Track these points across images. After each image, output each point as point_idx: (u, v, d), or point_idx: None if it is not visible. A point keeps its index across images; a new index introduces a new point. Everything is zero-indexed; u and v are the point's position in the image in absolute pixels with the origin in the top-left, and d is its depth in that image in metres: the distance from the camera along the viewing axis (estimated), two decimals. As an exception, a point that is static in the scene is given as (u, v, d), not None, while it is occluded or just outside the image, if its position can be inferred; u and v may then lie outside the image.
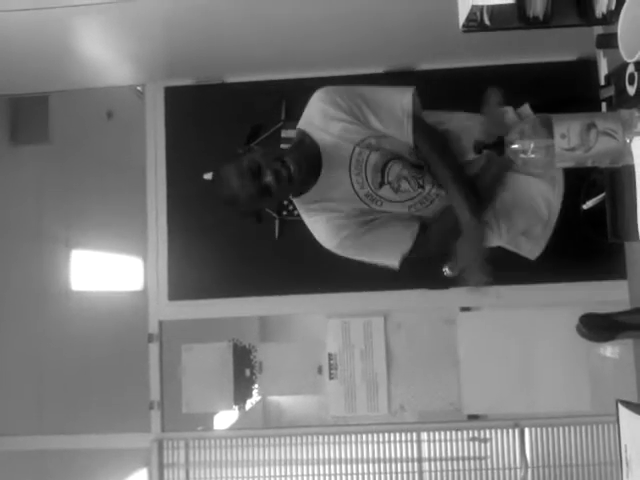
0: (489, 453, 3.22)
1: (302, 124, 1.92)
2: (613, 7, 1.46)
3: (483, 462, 3.24)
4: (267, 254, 3.28)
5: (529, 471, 3.18)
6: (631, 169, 1.34)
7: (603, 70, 1.67)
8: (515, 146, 1.40)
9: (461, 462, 3.25)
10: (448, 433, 3.26)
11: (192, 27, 2.84)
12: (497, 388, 3.21)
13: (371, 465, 3.30)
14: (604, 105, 1.56)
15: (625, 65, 1.37)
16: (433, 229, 1.92)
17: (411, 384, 3.32)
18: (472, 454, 3.25)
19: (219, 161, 3.23)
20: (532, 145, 1.37)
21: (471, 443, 3.25)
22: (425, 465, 3.26)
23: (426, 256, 1.96)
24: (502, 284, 3.11)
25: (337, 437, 3.30)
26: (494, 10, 1.51)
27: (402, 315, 3.35)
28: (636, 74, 1.34)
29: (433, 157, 1.86)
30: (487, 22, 1.54)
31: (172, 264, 3.38)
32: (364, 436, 3.29)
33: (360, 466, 3.30)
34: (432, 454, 3.27)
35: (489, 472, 3.24)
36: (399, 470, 3.27)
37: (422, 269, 2.97)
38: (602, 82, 1.59)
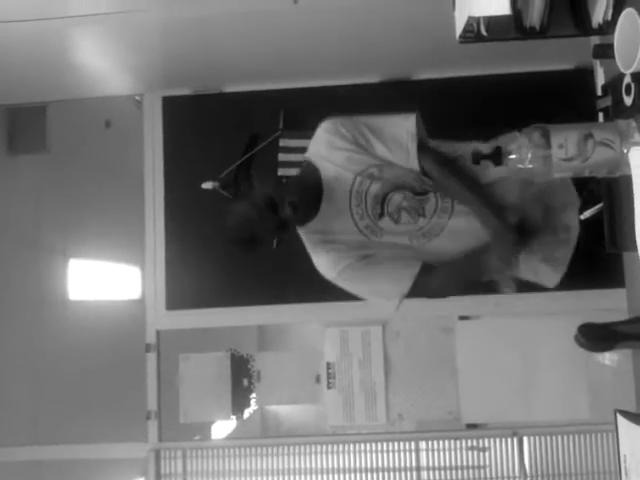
0: (488, 462, 3.22)
1: (308, 154, 1.95)
2: (609, 17, 1.46)
3: (482, 471, 3.23)
4: (265, 263, 3.27)
5: (528, 480, 3.17)
6: (628, 179, 1.34)
7: (600, 80, 1.67)
8: (512, 156, 1.40)
9: (460, 471, 3.25)
10: (447, 442, 3.25)
11: (190, 37, 2.85)
12: (496, 397, 3.21)
13: (369, 474, 3.29)
14: (601, 115, 1.56)
15: (622, 75, 1.37)
16: (441, 271, 1.89)
17: (409, 393, 3.31)
18: (471, 463, 3.24)
19: (217, 170, 3.27)
20: (529, 155, 1.37)
21: (470, 452, 3.24)
22: (424, 474, 3.25)
23: (426, 296, 1.95)
24: (500, 293, 3.12)
25: (335, 446, 3.29)
26: (491, 21, 1.52)
27: (400, 324, 3.34)
28: (633, 85, 1.34)
29: (446, 176, 1.84)
30: (484, 33, 1.54)
31: (170, 273, 3.37)
32: (362, 445, 3.29)
33: (359, 476, 3.29)
34: (431, 463, 3.26)
35: (488, 481, 3.23)
36: (397, 479, 3.25)
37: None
38: (599, 92, 1.59)
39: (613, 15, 1.44)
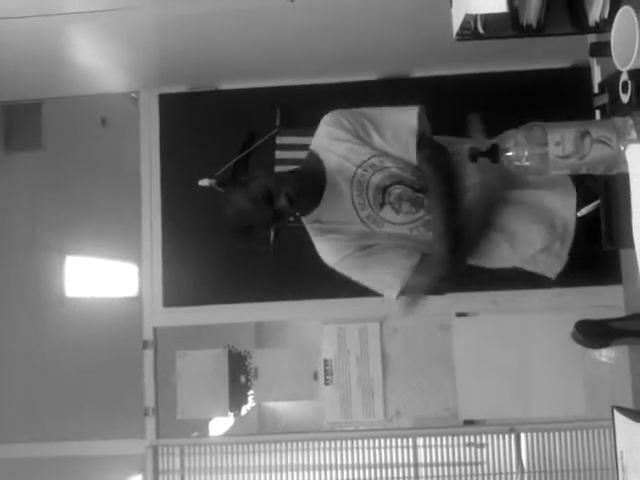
0: (485, 458, 3.22)
1: (312, 145, 1.96)
2: (606, 15, 1.46)
3: (479, 467, 3.24)
4: (262, 260, 3.27)
5: (525, 476, 3.18)
6: (625, 176, 1.34)
7: (597, 78, 1.67)
8: (509, 154, 1.40)
9: (457, 467, 3.26)
10: (444, 438, 3.26)
11: (186, 34, 2.84)
12: (493, 393, 3.21)
13: (367, 471, 3.30)
14: (598, 113, 1.57)
15: (618, 73, 1.37)
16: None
17: (407, 389, 3.32)
18: (468, 459, 3.25)
19: (213, 167, 3.27)
20: (526, 153, 1.37)
21: (467, 448, 3.25)
22: (421, 471, 3.26)
23: (422, 292, 1.96)
24: (497, 290, 3.13)
25: (333, 443, 3.30)
26: (488, 18, 1.52)
27: (398, 320, 3.34)
28: (629, 82, 1.34)
29: (431, 184, 1.85)
30: (481, 30, 1.54)
31: (167, 270, 3.37)
32: (360, 442, 3.29)
33: (356, 472, 3.30)
34: (428, 459, 3.27)
35: (485, 477, 3.24)
36: (395, 476, 3.26)
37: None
38: (596, 90, 1.59)
39: (610, 13, 1.44)
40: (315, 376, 3.38)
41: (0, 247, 3.60)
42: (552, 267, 1.94)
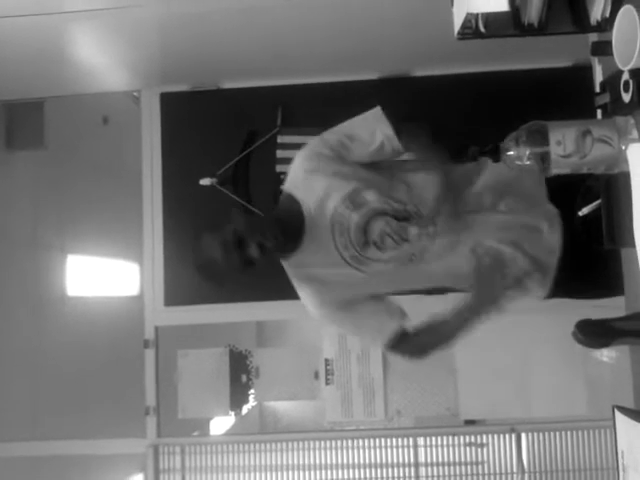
0: (486, 458, 3.22)
1: (287, 186, 1.87)
2: (608, 14, 1.46)
3: (480, 467, 3.24)
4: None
5: (526, 476, 3.18)
6: (626, 176, 1.34)
7: (598, 77, 1.67)
8: (511, 153, 1.40)
9: (458, 467, 3.25)
10: (445, 438, 3.26)
11: (188, 33, 2.85)
12: (494, 393, 3.21)
13: (368, 470, 3.30)
14: (599, 112, 1.56)
15: (620, 72, 1.37)
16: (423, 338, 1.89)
17: (408, 389, 3.32)
18: (469, 459, 3.25)
19: (214, 166, 3.27)
20: (527, 152, 1.37)
21: (468, 448, 3.24)
22: (422, 470, 3.26)
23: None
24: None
25: (334, 442, 3.30)
26: (489, 17, 1.51)
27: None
28: (631, 82, 1.34)
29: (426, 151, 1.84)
30: (482, 29, 1.54)
31: (168, 269, 3.37)
32: (361, 441, 3.29)
33: (357, 471, 3.30)
34: (429, 459, 3.27)
35: (486, 477, 3.24)
36: (396, 475, 3.26)
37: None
38: (597, 89, 1.59)
39: (611, 12, 1.44)
40: (316, 375, 3.38)
41: (2, 246, 3.61)
42: (539, 290, 1.91)
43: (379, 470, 3.28)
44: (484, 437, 3.22)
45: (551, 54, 2.94)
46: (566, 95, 2.55)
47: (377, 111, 1.84)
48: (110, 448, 3.38)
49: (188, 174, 3.30)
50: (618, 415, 1.48)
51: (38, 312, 3.82)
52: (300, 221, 1.80)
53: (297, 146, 3.25)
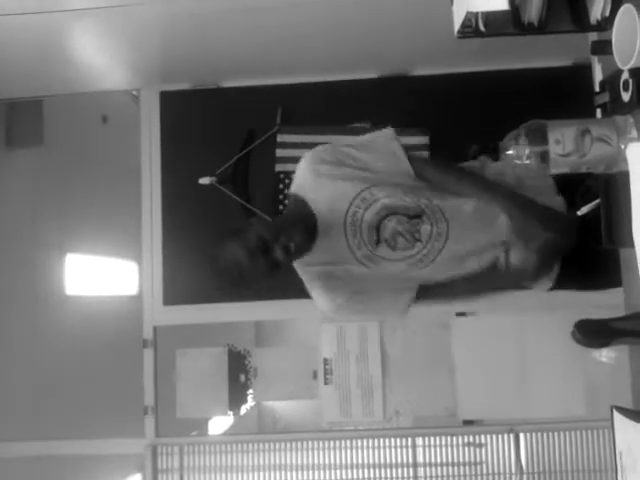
0: (484, 458, 3.22)
1: (295, 189, 1.90)
2: (608, 14, 1.46)
3: (478, 467, 3.24)
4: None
5: (524, 476, 3.17)
6: (626, 175, 1.34)
7: (598, 76, 1.67)
8: (510, 152, 1.40)
9: (456, 467, 3.25)
10: (443, 438, 3.25)
11: (188, 32, 2.84)
12: (492, 393, 3.21)
13: (366, 470, 3.30)
14: (599, 111, 1.56)
15: (620, 71, 1.37)
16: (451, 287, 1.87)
17: (406, 389, 3.31)
18: (467, 459, 3.25)
19: (214, 165, 3.26)
20: (527, 151, 1.37)
21: (466, 448, 3.24)
22: (420, 470, 3.26)
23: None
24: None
25: (332, 442, 3.29)
26: (489, 16, 1.51)
27: (397, 320, 3.34)
28: (630, 81, 1.34)
29: (456, 181, 1.83)
30: (482, 28, 1.54)
31: (167, 269, 3.37)
32: (359, 441, 3.29)
33: (355, 472, 3.30)
34: (427, 459, 3.26)
35: (484, 477, 3.24)
36: (394, 476, 3.26)
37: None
38: (597, 88, 1.58)
39: (611, 11, 1.44)
40: (314, 375, 3.37)
41: (0, 244, 3.60)
42: (545, 283, 1.92)
43: (378, 470, 3.28)
44: (482, 437, 3.22)
45: (551, 53, 2.94)
46: (566, 94, 2.55)
47: (386, 131, 1.87)
48: (108, 448, 3.38)
49: (187, 173, 3.30)
50: (616, 415, 1.48)
51: (36, 311, 3.81)
52: (313, 222, 1.82)
53: (297, 145, 3.26)
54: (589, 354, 3.10)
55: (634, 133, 1.33)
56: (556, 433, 3.15)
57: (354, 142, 1.88)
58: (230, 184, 3.28)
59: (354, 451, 3.29)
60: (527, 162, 1.38)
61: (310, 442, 3.29)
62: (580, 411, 3.15)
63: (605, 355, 3.14)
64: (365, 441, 3.29)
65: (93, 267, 4.35)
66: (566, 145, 1.34)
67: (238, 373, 3.44)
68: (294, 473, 3.29)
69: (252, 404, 3.66)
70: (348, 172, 1.82)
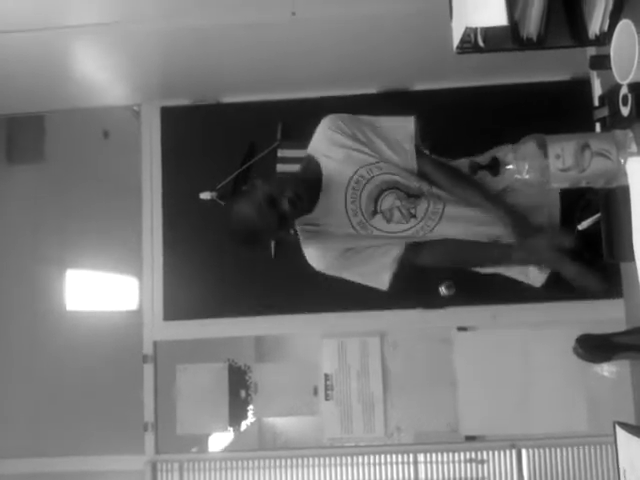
0: (486, 474, 3.19)
1: (310, 149, 2.01)
2: (606, 28, 1.46)
3: (480, 484, 3.21)
4: (263, 274, 3.27)
5: (527, 493, 3.15)
6: (626, 189, 1.34)
7: (597, 91, 1.67)
8: (510, 167, 1.40)
9: (458, 484, 3.22)
10: (445, 454, 3.23)
11: (188, 48, 2.86)
12: (494, 409, 3.19)
13: (367, 487, 3.27)
14: (598, 126, 1.56)
15: (618, 86, 1.37)
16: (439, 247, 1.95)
17: (408, 405, 3.29)
18: (469, 475, 3.22)
19: (214, 180, 3.27)
20: (527, 166, 1.38)
21: (468, 464, 3.22)
22: (422, 487, 3.23)
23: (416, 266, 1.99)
24: (497, 304, 3.12)
25: (333, 459, 3.27)
26: (488, 32, 1.52)
27: (398, 335, 3.33)
28: (629, 95, 1.34)
29: (455, 185, 1.91)
30: (481, 43, 1.55)
31: (167, 284, 3.36)
32: (360, 458, 3.26)
33: (356, 488, 3.27)
34: (429, 476, 3.23)
35: (486, 494, 3.21)
36: (396, 492, 3.23)
37: (418, 288, 2.98)
38: (596, 103, 1.59)
39: (609, 26, 1.44)
40: (315, 391, 3.36)
41: (1, 259, 3.60)
42: (539, 277, 1.97)
43: (379, 487, 3.25)
44: (484, 453, 3.19)
45: (550, 68, 2.95)
46: (565, 109, 2.56)
47: (409, 122, 1.95)
48: (108, 464, 3.35)
49: (188, 188, 3.30)
50: (619, 431, 1.47)
51: (36, 326, 3.80)
52: (318, 183, 1.93)
53: (297, 160, 3.26)
54: (591, 369, 3.09)
55: (633, 147, 1.34)
56: (558, 449, 3.12)
57: (375, 124, 1.96)
58: (230, 199, 3.28)
59: (355, 467, 3.26)
60: (527, 177, 1.38)
61: (311, 459, 3.27)
62: (582, 426, 3.13)
63: (607, 370, 3.12)
64: (366, 457, 3.26)
65: (93, 282, 4.35)
66: (566, 160, 1.34)
67: (238, 389, 3.42)
68: (295, 490, 3.27)
69: (252, 420, 3.64)
70: (357, 146, 1.92)
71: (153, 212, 3.40)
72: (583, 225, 1.72)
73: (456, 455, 3.22)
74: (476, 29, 1.52)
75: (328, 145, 1.93)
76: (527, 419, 3.17)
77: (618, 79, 1.32)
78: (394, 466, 3.24)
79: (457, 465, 3.22)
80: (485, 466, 3.19)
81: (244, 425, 3.53)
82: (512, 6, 1.41)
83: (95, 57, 2.99)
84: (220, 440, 3.93)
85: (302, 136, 3.36)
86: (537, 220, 1.90)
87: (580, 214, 1.74)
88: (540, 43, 1.51)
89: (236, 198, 1.94)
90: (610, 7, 1.43)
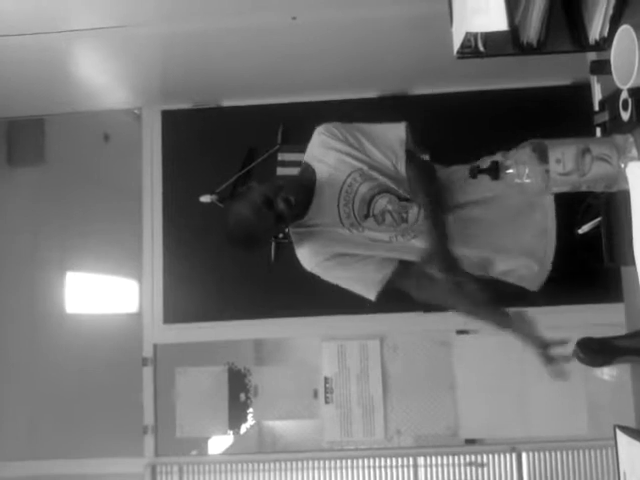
0: (486, 478, 3.19)
1: (305, 157, 2.06)
2: (606, 34, 1.47)
3: (480, 487, 3.21)
4: (263, 277, 3.27)
5: (526, 496, 3.14)
6: (626, 194, 1.34)
7: (597, 96, 1.68)
8: (510, 171, 1.40)
9: (458, 487, 3.22)
10: (445, 458, 3.23)
11: (189, 52, 2.86)
12: (494, 412, 3.19)
13: (367, 490, 3.27)
14: (599, 131, 1.57)
15: (619, 91, 1.38)
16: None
17: (408, 408, 3.29)
18: (469, 479, 3.22)
19: (215, 184, 3.27)
20: (527, 170, 1.38)
21: (468, 468, 3.21)
22: (422, 490, 3.23)
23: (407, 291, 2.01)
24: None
25: (333, 462, 3.27)
26: (488, 36, 1.52)
27: (398, 338, 3.33)
28: (630, 100, 1.35)
29: (419, 191, 1.94)
30: (481, 48, 1.55)
31: (167, 287, 3.37)
32: (360, 461, 3.26)
33: (356, 491, 3.27)
34: (429, 479, 3.23)
35: (486, 497, 3.20)
36: (395, 495, 3.23)
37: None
38: (596, 108, 1.59)
39: (610, 31, 1.45)
40: (315, 394, 3.36)
41: (1, 262, 3.60)
42: (533, 281, 1.96)
43: (379, 490, 3.25)
44: (484, 456, 3.19)
45: (550, 73, 2.96)
46: (565, 113, 2.56)
47: (400, 128, 1.99)
48: (108, 467, 3.35)
49: (188, 191, 3.31)
50: (620, 435, 1.47)
51: (36, 329, 3.80)
52: (312, 187, 1.97)
53: (297, 164, 3.26)
54: (591, 372, 3.08)
55: (634, 152, 1.34)
56: (558, 452, 3.12)
57: (367, 129, 2.01)
58: (229, 202, 3.28)
59: (355, 471, 3.26)
60: (527, 181, 1.38)
61: (310, 462, 3.27)
62: (582, 430, 3.13)
63: (607, 373, 3.11)
64: (366, 461, 3.26)
65: (93, 285, 4.35)
66: (566, 164, 1.34)
67: (238, 392, 3.42)
68: (294, 493, 3.26)
69: (252, 423, 3.64)
70: (350, 150, 1.96)
71: (153, 215, 3.41)
72: (583, 229, 1.73)
73: (456, 458, 3.22)
74: (476, 34, 1.53)
75: (321, 150, 1.99)
76: (527, 422, 3.17)
77: (618, 84, 1.33)
78: (394, 469, 3.24)
79: (457, 468, 3.22)
80: (485, 469, 3.19)
81: (244, 428, 3.53)
82: (512, 11, 1.41)
83: (96, 61, 2.99)
84: (220, 443, 3.93)
85: (302, 140, 3.36)
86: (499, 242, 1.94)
87: (580, 218, 1.75)
88: (540, 48, 1.52)
89: (233, 200, 1.96)
90: (610, 12, 1.43)
